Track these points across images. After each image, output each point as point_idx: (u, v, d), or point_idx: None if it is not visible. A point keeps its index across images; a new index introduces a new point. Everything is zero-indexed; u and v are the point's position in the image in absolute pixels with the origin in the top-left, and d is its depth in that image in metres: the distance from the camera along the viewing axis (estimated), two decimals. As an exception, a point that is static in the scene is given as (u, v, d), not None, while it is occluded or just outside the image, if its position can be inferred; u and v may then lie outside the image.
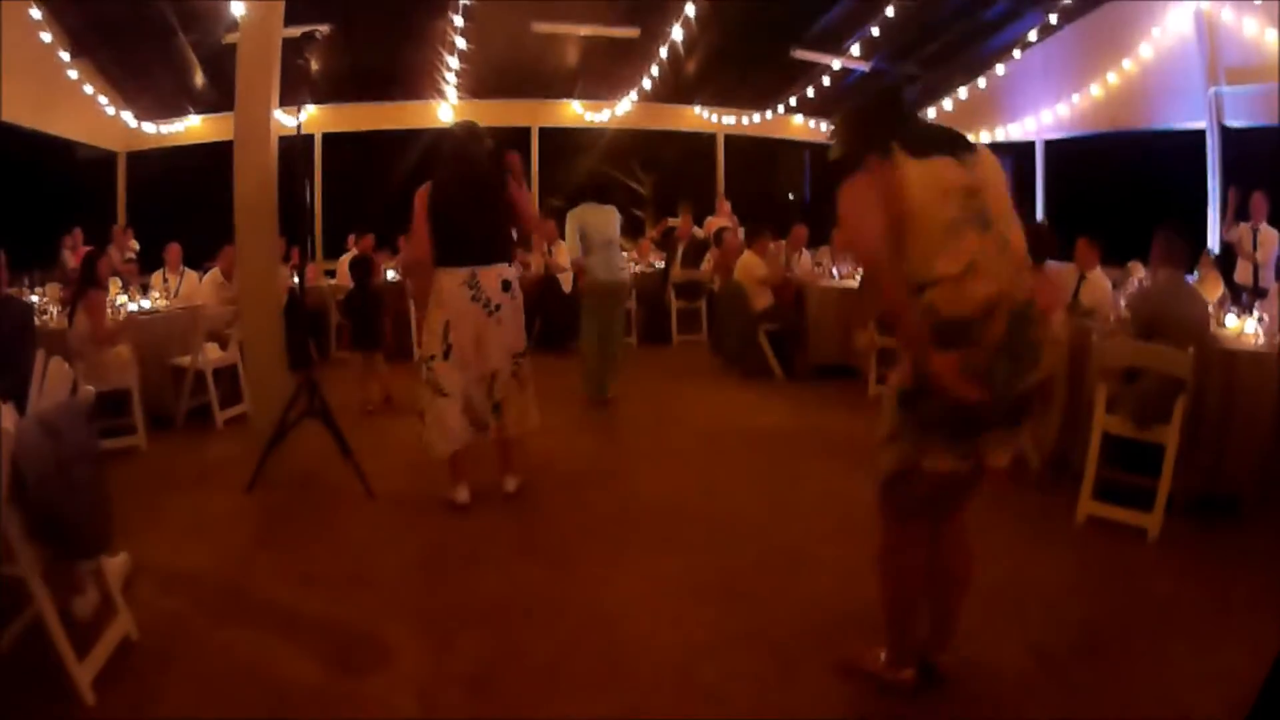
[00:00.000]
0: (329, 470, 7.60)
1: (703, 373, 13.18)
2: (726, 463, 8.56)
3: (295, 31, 8.06)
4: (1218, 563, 6.16)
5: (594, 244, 10.46)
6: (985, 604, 5.28)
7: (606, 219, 10.53)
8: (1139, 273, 10.28)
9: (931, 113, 20.52)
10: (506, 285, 6.97)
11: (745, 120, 20.90)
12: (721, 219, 17.69)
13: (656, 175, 20.89)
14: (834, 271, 13.75)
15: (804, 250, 14.48)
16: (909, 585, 4.22)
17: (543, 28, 16.06)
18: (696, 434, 9.66)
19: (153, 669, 4.51)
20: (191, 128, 17.53)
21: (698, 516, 6.99)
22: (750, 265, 12.88)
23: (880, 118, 4.15)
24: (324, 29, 8.98)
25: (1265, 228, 12.93)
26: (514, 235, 7.34)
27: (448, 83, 16.61)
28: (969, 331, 3.63)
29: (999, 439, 3.87)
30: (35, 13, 13.12)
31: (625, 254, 11.27)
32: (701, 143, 21.10)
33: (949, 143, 3.83)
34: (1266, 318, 7.82)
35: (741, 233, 14.63)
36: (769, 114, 20.81)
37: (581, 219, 10.48)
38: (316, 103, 16.58)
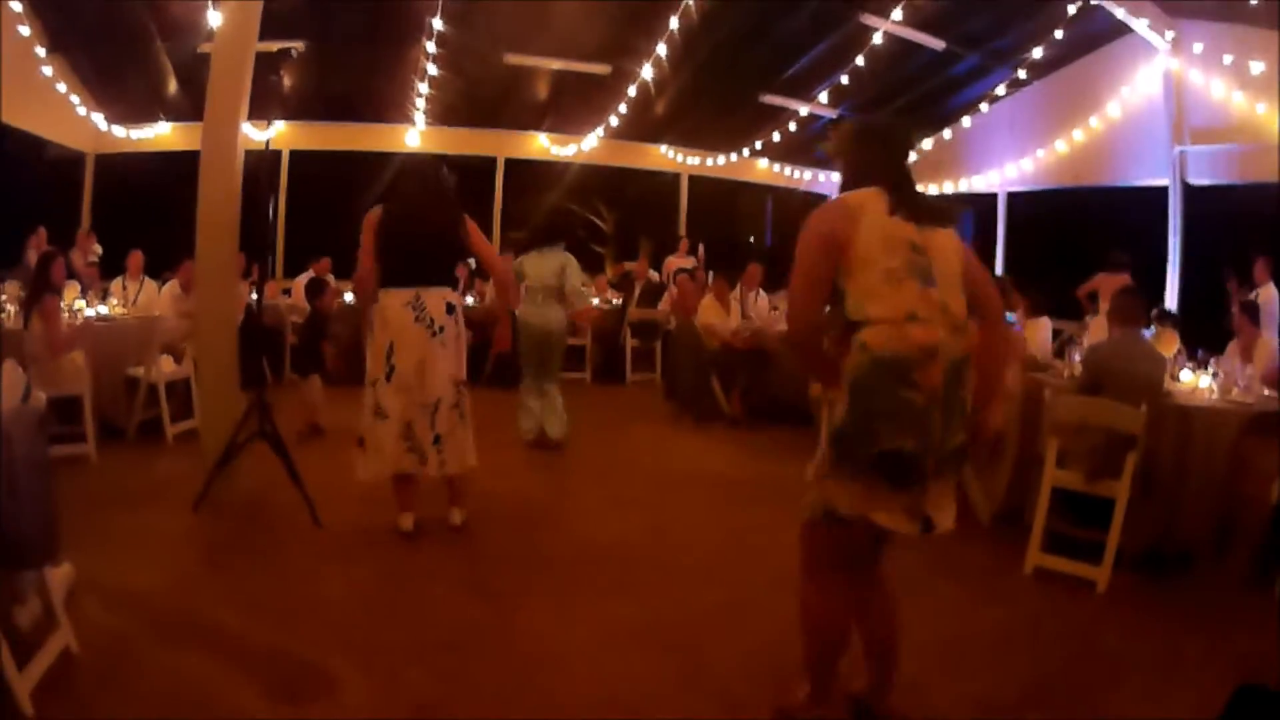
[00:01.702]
0: (276, 493, 7.54)
1: (656, 415, 13.17)
2: (677, 507, 8.54)
3: (270, 46, 8.04)
4: (1167, 618, 6.22)
5: (528, 288, 10.43)
6: (932, 656, 5.33)
7: (545, 264, 10.38)
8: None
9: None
10: (450, 308, 6.96)
11: (710, 161, 21.07)
12: (681, 259, 17.76)
13: (620, 212, 20.86)
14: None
15: (760, 291, 14.50)
16: (828, 636, 4.26)
17: (514, 59, 16.12)
18: (648, 477, 9.64)
19: (92, 686, 4.46)
20: (161, 135, 17.43)
21: (646, 560, 6.99)
22: (709, 309, 12.94)
23: (883, 149, 4.27)
24: (299, 46, 8.95)
25: (1266, 289, 13.00)
26: (468, 264, 7.38)
27: (417, 108, 16.63)
28: (908, 372, 3.75)
29: (940, 494, 3.94)
30: (16, 4, 13.05)
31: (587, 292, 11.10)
32: (665, 182, 21.21)
33: (918, 210, 4.00)
34: (1222, 374, 7.92)
35: (711, 277, 14.62)
36: (734, 156, 20.97)
37: (520, 265, 10.52)
38: (286, 119, 16.54)
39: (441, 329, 6.88)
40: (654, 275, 17.39)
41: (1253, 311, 9.90)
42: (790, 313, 4.06)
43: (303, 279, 14.25)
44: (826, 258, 3.91)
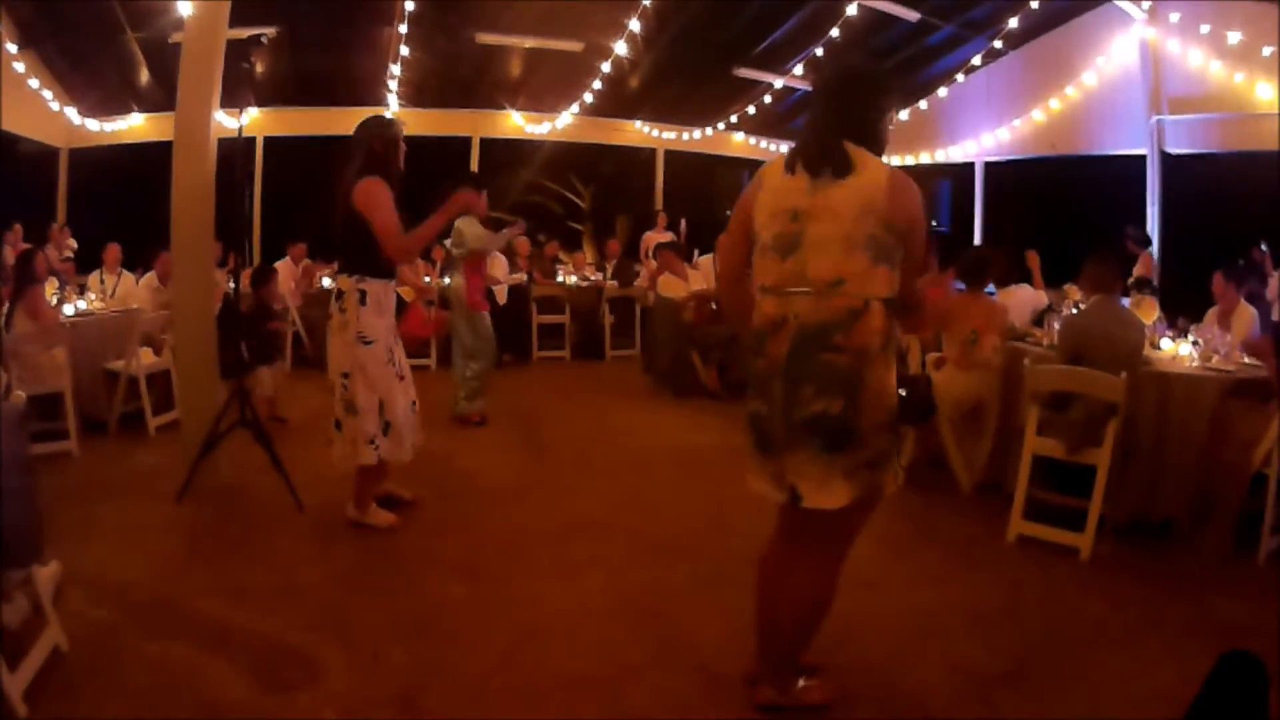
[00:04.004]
0: (258, 481, 7.58)
1: (635, 390, 13.21)
2: (657, 481, 8.63)
3: (241, 33, 8.00)
4: (1150, 584, 6.28)
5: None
6: (915, 623, 5.42)
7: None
8: (1075, 295, 10.38)
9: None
10: (338, 295, 6.78)
11: (685, 136, 21.05)
12: (659, 234, 17.77)
13: (596, 188, 20.80)
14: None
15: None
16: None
17: (487, 39, 16.06)
18: (627, 452, 9.69)
19: (83, 681, 4.48)
20: (134, 126, 17.36)
21: (628, 534, 7.03)
22: (669, 285, 13.07)
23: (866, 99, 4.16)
24: (270, 32, 8.92)
25: None
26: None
27: (390, 90, 16.57)
28: (760, 342, 4.01)
29: (800, 464, 3.94)
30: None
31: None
32: (642, 158, 21.20)
33: (821, 161, 3.96)
34: (1201, 341, 7.95)
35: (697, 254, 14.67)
36: (709, 130, 20.95)
37: None
38: (259, 105, 16.49)
39: (330, 316, 6.83)
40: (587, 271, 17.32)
41: (1236, 278, 9.91)
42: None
43: (281, 264, 14.22)
44: (738, 224, 4.20)
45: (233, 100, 8.24)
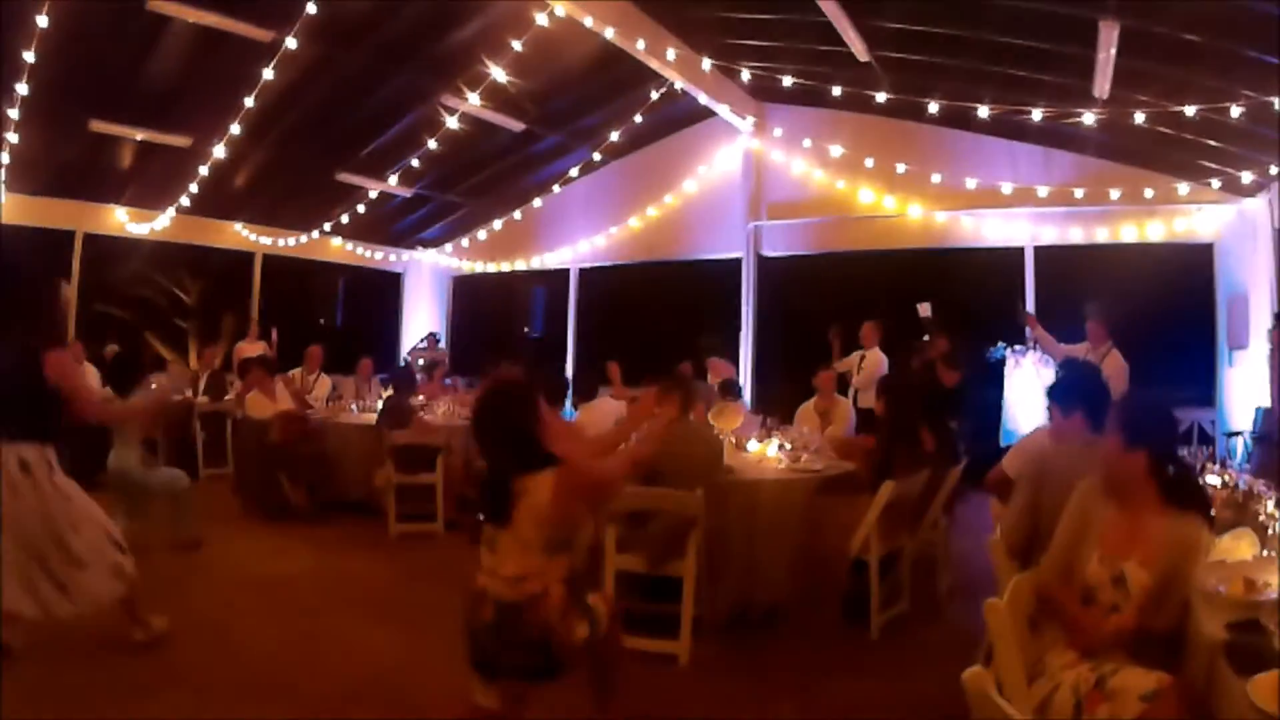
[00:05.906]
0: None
1: (227, 512, 12.79)
2: (246, 617, 8.22)
3: None
4: (756, 678, 6.86)
5: None
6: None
7: None
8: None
9: (465, 241, 22.44)
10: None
11: (284, 241, 21.12)
12: (251, 345, 17.77)
13: (204, 284, 20.25)
14: (353, 405, 14.21)
15: (321, 373, 14.63)
16: None
17: (99, 126, 15.68)
18: (219, 583, 9.31)
19: None
20: None
21: (216, 678, 6.71)
22: (255, 404, 13.31)
23: None
24: None
25: (872, 352, 14.28)
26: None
27: (-3, 178, 15.92)
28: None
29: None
30: None
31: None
32: (241, 261, 21.07)
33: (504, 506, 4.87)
34: (789, 442, 8.70)
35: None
36: (309, 236, 21.11)
37: None
38: None
39: None
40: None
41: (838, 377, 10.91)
42: None
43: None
44: None
45: None
